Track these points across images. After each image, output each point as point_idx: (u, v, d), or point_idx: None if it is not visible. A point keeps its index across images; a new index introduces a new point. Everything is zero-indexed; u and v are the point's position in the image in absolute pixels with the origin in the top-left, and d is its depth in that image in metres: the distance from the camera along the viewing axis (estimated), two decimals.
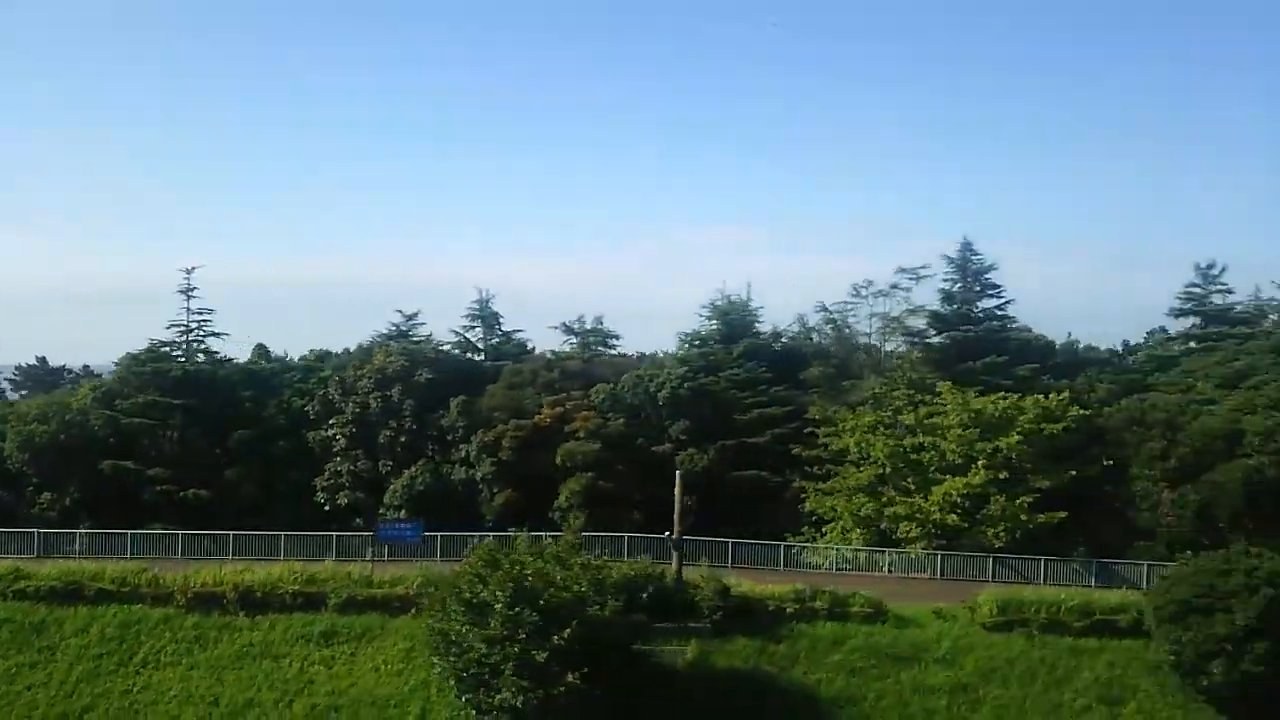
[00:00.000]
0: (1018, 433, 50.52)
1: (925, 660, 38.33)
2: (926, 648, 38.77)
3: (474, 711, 32.61)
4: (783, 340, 64.73)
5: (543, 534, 38.98)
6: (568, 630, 30.98)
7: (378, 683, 37.15)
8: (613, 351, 67.09)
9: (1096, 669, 38.20)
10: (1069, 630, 39.53)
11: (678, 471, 42.24)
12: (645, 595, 38.91)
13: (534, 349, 66.77)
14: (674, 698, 36.62)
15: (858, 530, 51.03)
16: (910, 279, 61.95)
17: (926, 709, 36.54)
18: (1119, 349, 69.47)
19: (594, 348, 66.38)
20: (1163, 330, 66.27)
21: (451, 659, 32.41)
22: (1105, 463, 52.55)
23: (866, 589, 41.86)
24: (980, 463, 49.41)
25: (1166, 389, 57.43)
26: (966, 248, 60.13)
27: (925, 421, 52.41)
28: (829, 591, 40.62)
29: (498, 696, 31.23)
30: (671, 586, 39.93)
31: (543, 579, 32.55)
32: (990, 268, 59.99)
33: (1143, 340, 68.47)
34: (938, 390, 53.51)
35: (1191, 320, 62.55)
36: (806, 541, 51.41)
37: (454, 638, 32.19)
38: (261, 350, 77.13)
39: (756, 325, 64.09)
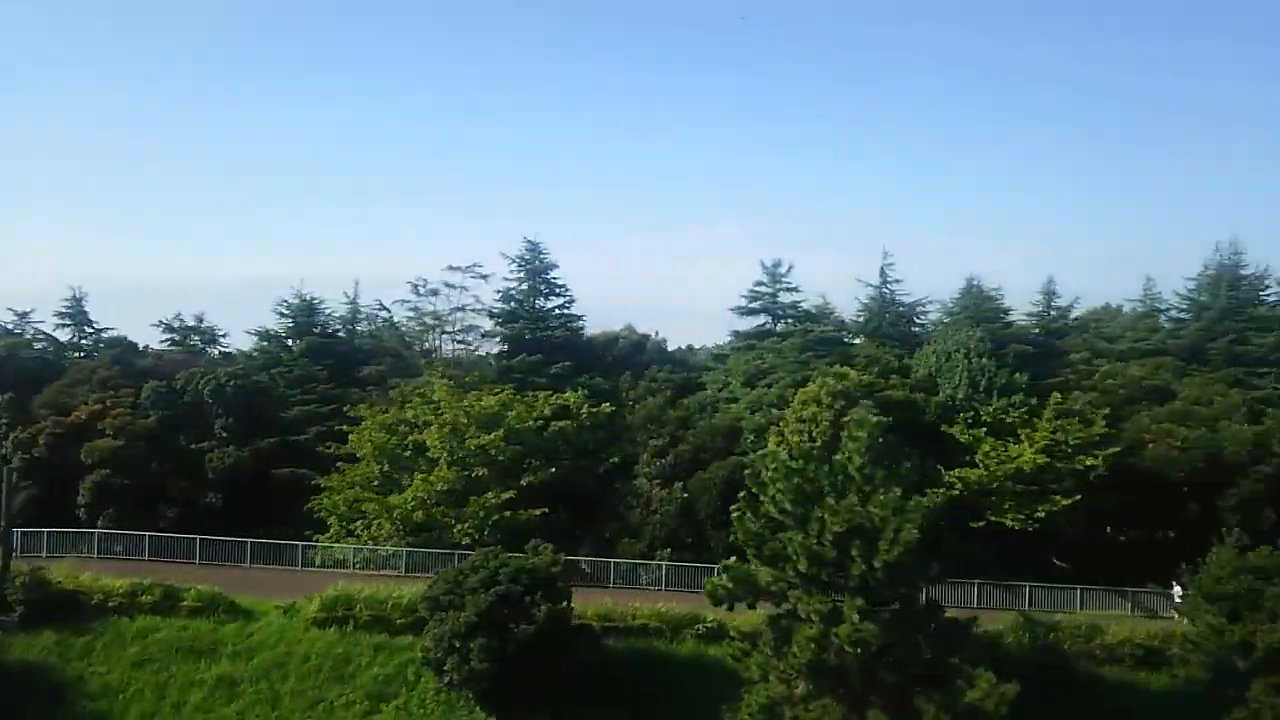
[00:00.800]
0: (504, 429, 50.36)
1: (220, 654, 38.18)
2: (229, 642, 38.61)
3: None
4: (371, 337, 64.73)
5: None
6: None
7: None
8: (218, 349, 67.17)
9: (389, 666, 37.86)
10: (390, 627, 39.25)
11: (6, 467, 42.29)
12: None
13: (146, 347, 67.02)
14: None
15: (391, 526, 50.94)
16: (474, 277, 61.88)
17: (177, 703, 36.36)
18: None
19: (194, 345, 66.49)
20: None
21: None
22: (611, 460, 52.47)
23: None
24: (444, 459, 49.24)
25: (710, 386, 57.07)
26: (533, 248, 59.99)
27: (422, 420, 52.28)
28: (165, 585, 40.55)
29: None
30: None
31: None
32: (552, 266, 59.85)
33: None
34: (435, 388, 53.37)
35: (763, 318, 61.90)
36: (314, 540, 51.30)
37: None
38: None
39: (358, 320, 64.14)
